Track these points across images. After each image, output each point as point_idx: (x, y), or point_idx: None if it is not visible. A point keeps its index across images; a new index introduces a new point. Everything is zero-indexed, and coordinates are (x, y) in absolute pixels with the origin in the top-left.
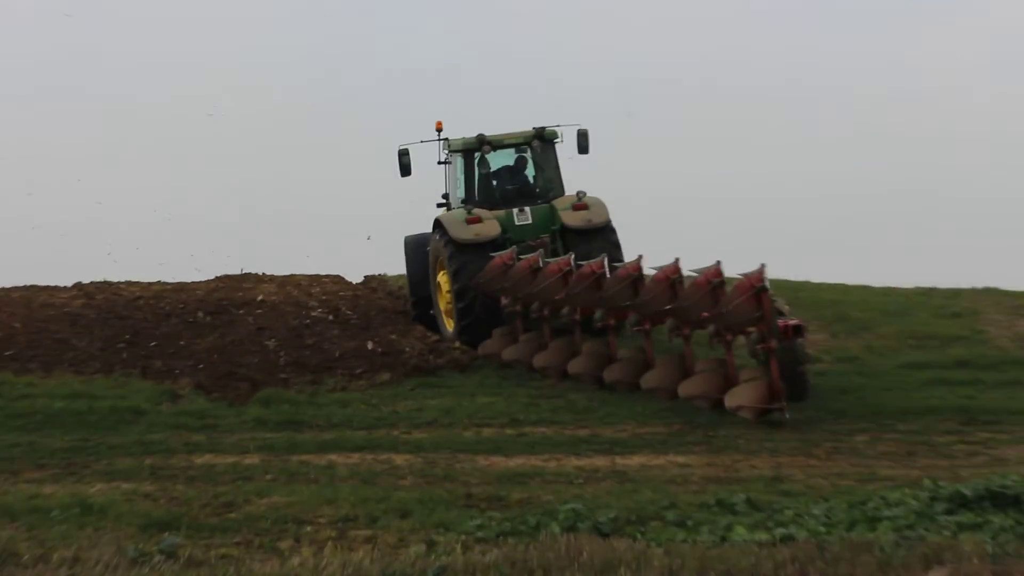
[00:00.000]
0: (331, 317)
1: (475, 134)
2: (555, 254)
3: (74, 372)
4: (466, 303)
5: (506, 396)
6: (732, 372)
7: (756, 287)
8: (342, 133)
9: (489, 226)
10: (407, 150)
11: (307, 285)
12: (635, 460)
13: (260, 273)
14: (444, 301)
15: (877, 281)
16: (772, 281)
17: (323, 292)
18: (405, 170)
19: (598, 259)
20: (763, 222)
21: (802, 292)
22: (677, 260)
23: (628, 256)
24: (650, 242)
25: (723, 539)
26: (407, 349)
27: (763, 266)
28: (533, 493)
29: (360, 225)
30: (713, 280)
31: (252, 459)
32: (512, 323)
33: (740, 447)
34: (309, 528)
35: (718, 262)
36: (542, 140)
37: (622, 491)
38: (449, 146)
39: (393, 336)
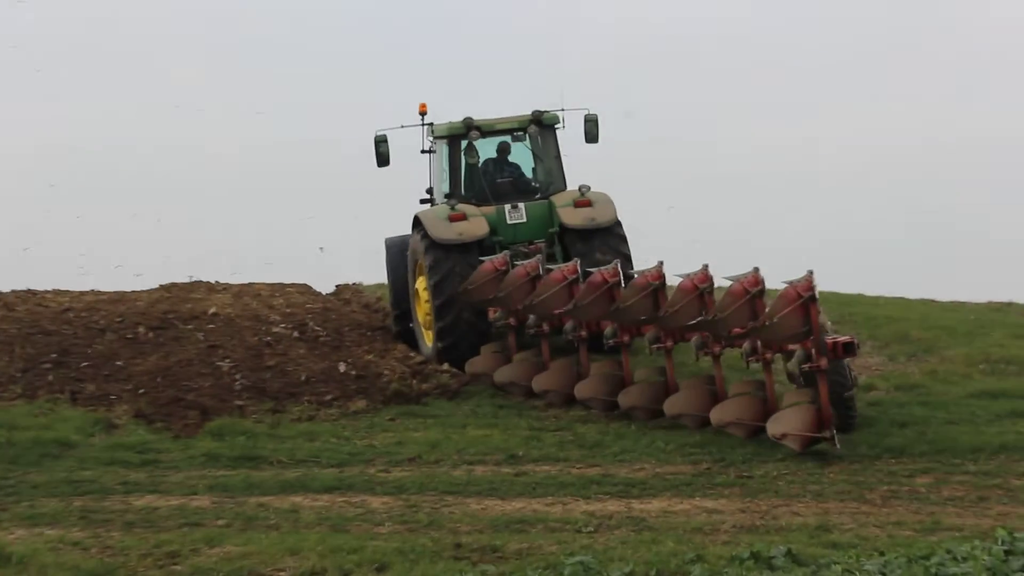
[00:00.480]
0: (296, 334)
1: (462, 118)
2: (552, 260)
3: None
4: (448, 321)
5: (503, 428)
6: (772, 396)
7: (804, 296)
8: (311, 112)
9: (475, 224)
10: (385, 137)
11: (268, 296)
12: (655, 505)
13: (212, 281)
14: (423, 312)
15: (943, 295)
16: (822, 295)
17: (287, 304)
18: (382, 159)
19: (611, 266)
20: (807, 223)
21: (854, 307)
22: (706, 267)
23: (639, 262)
24: (668, 245)
25: None
26: (386, 372)
27: (811, 273)
28: (534, 543)
29: (332, 224)
30: (751, 289)
31: (202, 501)
32: (503, 339)
33: (780, 490)
34: None
35: (756, 269)
36: (540, 126)
37: (639, 541)
38: (433, 132)
39: (370, 357)
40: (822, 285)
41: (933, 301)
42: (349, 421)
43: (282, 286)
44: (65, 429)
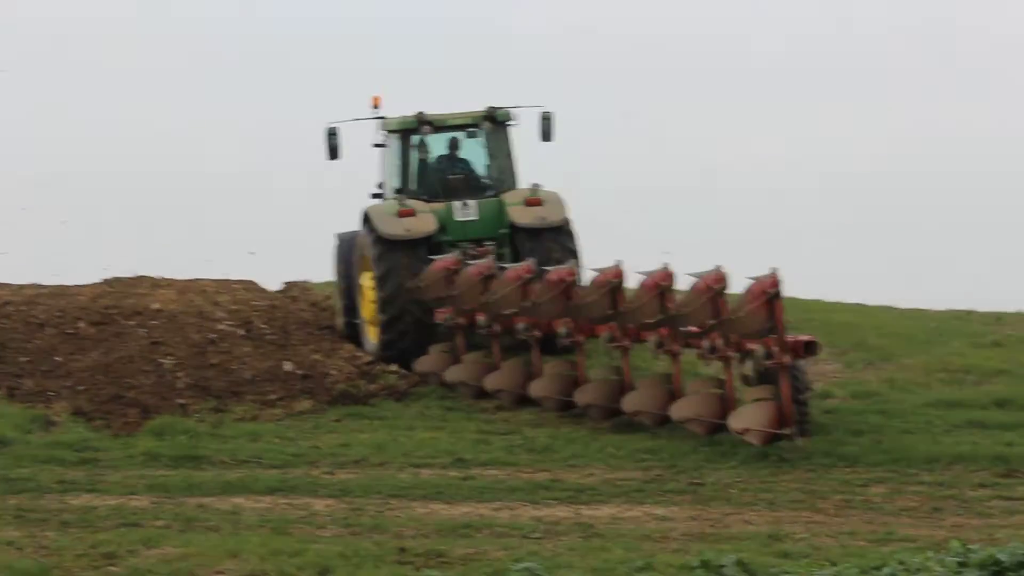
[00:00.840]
0: (242, 331)
1: (414, 112)
2: (501, 261)
3: None
4: (392, 314)
5: (450, 431)
6: (731, 393)
7: (769, 293)
8: (259, 100)
9: (423, 221)
10: (336, 129)
11: (213, 292)
12: (604, 511)
13: (156, 276)
14: (368, 309)
15: (903, 302)
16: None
17: (232, 301)
18: (333, 152)
19: (568, 265)
20: (766, 227)
21: (813, 312)
22: (666, 266)
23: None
24: (627, 244)
25: None
26: (332, 372)
27: (775, 271)
28: (480, 548)
29: (280, 219)
30: (714, 286)
31: (140, 501)
32: (452, 339)
33: (732, 498)
34: None
35: (718, 267)
36: (494, 122)
37: (588, 548)
38: (385, 126)
39: (316, 356)
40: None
41: (893, 308)
42: (294, 421)
43: (228, 282)
44: (2, 425)
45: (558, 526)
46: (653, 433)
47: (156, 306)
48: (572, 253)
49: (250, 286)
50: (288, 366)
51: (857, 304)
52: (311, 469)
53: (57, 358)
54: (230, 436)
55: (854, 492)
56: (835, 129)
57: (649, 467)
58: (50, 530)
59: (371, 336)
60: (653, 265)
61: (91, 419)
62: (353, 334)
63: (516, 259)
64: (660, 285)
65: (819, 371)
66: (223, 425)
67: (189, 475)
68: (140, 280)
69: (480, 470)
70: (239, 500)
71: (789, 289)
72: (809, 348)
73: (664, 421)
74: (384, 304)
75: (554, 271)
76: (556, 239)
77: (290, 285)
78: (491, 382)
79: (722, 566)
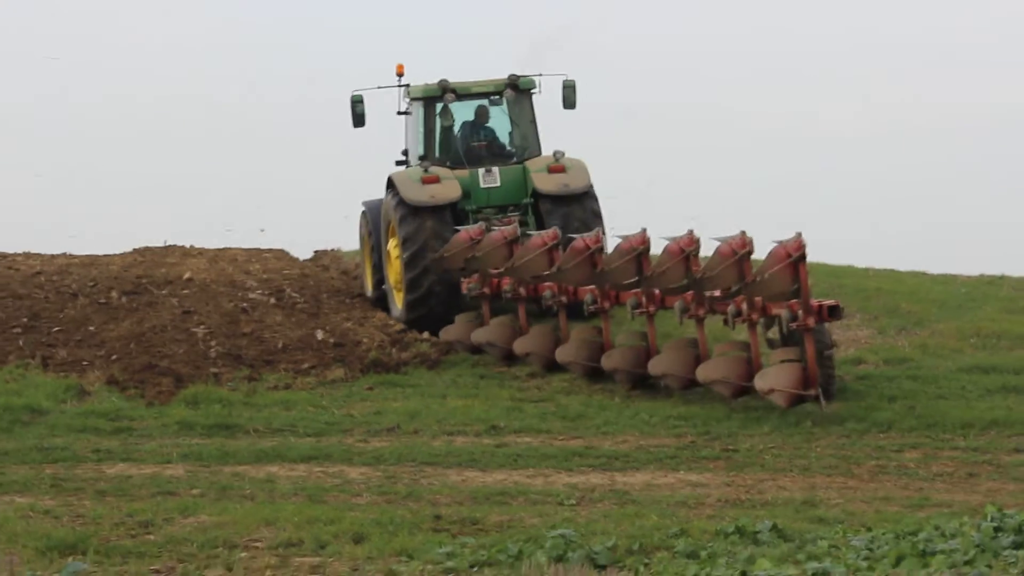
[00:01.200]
0: (273, 300)
1: (438, 80)
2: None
3: None
4: (416, 273)
5: (484, 399)
6: (757, 356)
7: (794, 256)
8: (281, 69)
9: (448, 187)
10: (361, 97)
11: (244, 261)
12: (638, 478)
13: (187, 245)
14: (394, 273)
15: (935, 267)
16: (810, 265)
17: (264, 270)
18: (358, 120)
19: (593, 232)
20: (796, 192)
21: (844, 279)
22: (691, 232)
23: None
24: (654, 213)
25: (743, 574)
26: (364, 340)
27: (799, 234)
28: (515, 515)
29: (308, 188)
30: (739, 251)
31: (175, 470)
32: (478, 308)
33: (766, 464)
34: (244, 554)
35: (743, 232)
36: (516, 90)
37: (622, 515)
38: (409, 94)
39: (348, 324)
40: (812, 256)
41: (924, 273)
42: (327, 390)
43: (259, 251)
44: (36, 395)
45: (592, 493)
46: (686, 400)
47: (187, 275)
48: (596, 219)
49: (281, 255)
50: (320, 334)
51: (889, 270)
52: (345, 437)
53: (90, 328)
54: (263, 405)
55: (888, 458)
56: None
57: (682, 433)
58: (86, 499)
59: (397, 301)
60: (679, 231)
61: (125, 388)
62: (382, 300)
63: (540, 227)
64: (685, 250)
65: (852, 337)
66: (256, 394)
67: (223, 444)
68: (171, 249)
69: (514, 437)
70: (274, 468)
71: (820, 255)
72: (833, 312)
73: (690, 384)
74: (408, 268)
75: (580, 238)
76: (580, 206)
77: (320, 253)
78: (520, 346)
79: (757, 532)
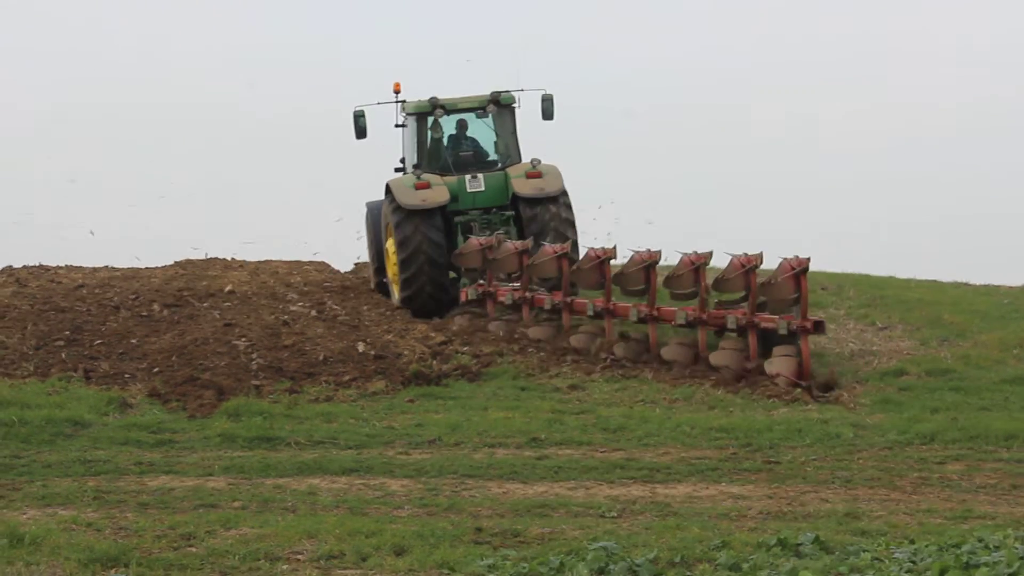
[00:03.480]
0: (314, 312)
1: (429, 97)
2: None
3: (2, 375)
4: (411, 273)
5: (524, 411)
6: (753, 351)
7: (796, 269)
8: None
9: (437, 192)
10: (363, 112)
11: (285, 273)
12: (680, 490)
13: (228, 258)
14: (392, 268)
15: (977, 278)
16: (853, 276)
17: (305, 282)
18: (360, 132)
19: (561, 242)
20: (840, 205)
21: (886, 289)
22: (706, 252)
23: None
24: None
25: None
26: (406, 352)
27: (807, 258)
28: (556, 527)
29: (341, 200)
30: (747, 264)
31: (217, 482)
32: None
33: (808, 476)
34: (285, 566)
35: (760, 253)
36: (498, 105)
37: (664, 527)
38: (404, 109)
39: (389, 336)
40: (854, 267)
41: (966, 284)
42: (368, 402)
43: (299, 263)
44: (79, 408)
45: (634, 505)
46: (727, 412)
47: (229, 288)
48: (568, 221)
49: (321, 267)
50: (361, 347)
51: (931, 281)
52: (386, 449)
53: (132, 340)
54: (305, 417)
55: (931, 470)
56: (906, 95)
57: (724, 446)
58: (129, 511)
59: (395, 292)
60: (693, 247)
61: (167, 401)
62: (383, 290)
63: (519, 226)
64: (695, 263)
65: (893, 348)
66: (297, 406)
67: (265, 456)
68: (212, 262)
69: (555, 450)
70: (315, 481)
71: (863, 266)
72: (818, 327)
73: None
74: (403, 264)
75: (548, 246)
76: (554, 207)
77: (361, 266)
78: (534, 333)
79: (799, 544)
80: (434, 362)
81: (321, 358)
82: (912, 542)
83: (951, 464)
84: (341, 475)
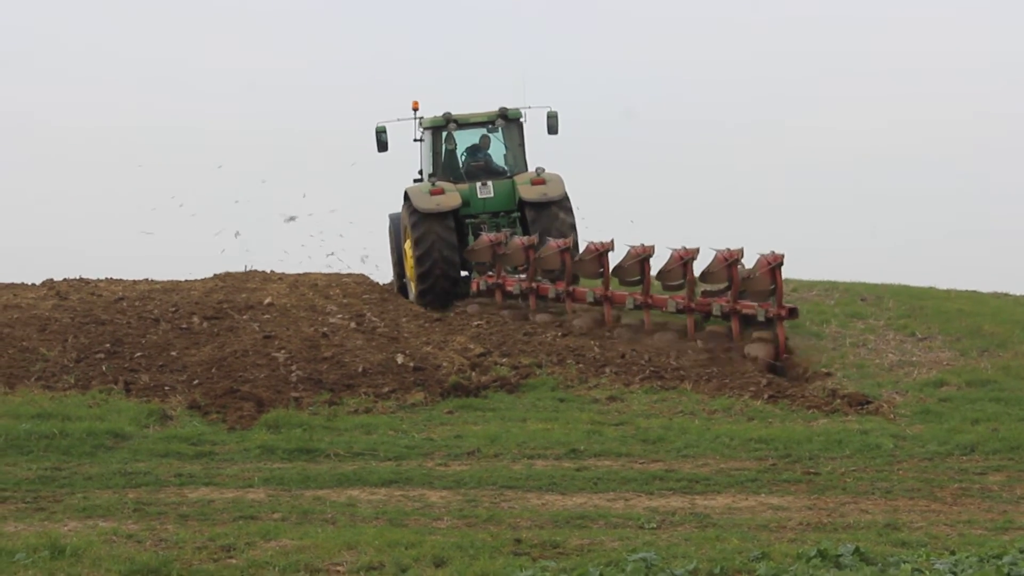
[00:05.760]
0: (353, 324)
1: (443, 112)
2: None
3: (43, 387)
4: (426, 270)
5: (563, 422)
6: (737, 334)
7: (772, 264)
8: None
9: (450, 197)
10: (384, 127)
11: (324, 286)
12: (719, 501)
13: (267, 271)
14: (409, 268)
15: (1018, 288)
16: (892, 287)
17: (343, 294)
18: (382, 146)
19: (565, 238)
20: (880, 215)
21: (926, 300)
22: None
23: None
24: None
25: None
26: (444, 364)
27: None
28: (595, 539)
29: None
30: (729, 258)
31: (257, 494)
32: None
33: (848, 487)
34: None
35: (740, 249)
36: (506, 119)
37: (703, 538)
38: (421, 124)
39: (428, 348)
40: (890, 277)
41: (1007, 294)
42: (407, 414)
43: (339, 276)
44: (119, 420)
45: (673, 516)
46: (767, 423)
47: (268, 300)
48: (569, 222)
49: (360, 279)
50: (400, 359)
51: (970, 291)
52: (425, 461)
53: (172, 353)
54: (344, 429)
55: (972, 480)
56: (938, 112)
57: (763, 456)
58: (169, 523)
59: (412, 289)
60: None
61: (206, 413)
62: (402, 288)
63: (525, 228)
64: (684, 258)
65: (933, 359)
66: (337, 418)
67: (304, 468)
68: (251, 275)
69: (594, 461)
70: (355, 492)
71: (902, 277)
72: (792, 312)
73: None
74: (419, 260)
75: (552, 241)
76: (556, 211)
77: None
78: (539, 317)
79: (839, 555)
80: (473, 373)
81: (360, 370)
82: (953, 553)
83: (992, 475)
84: (380, 487)
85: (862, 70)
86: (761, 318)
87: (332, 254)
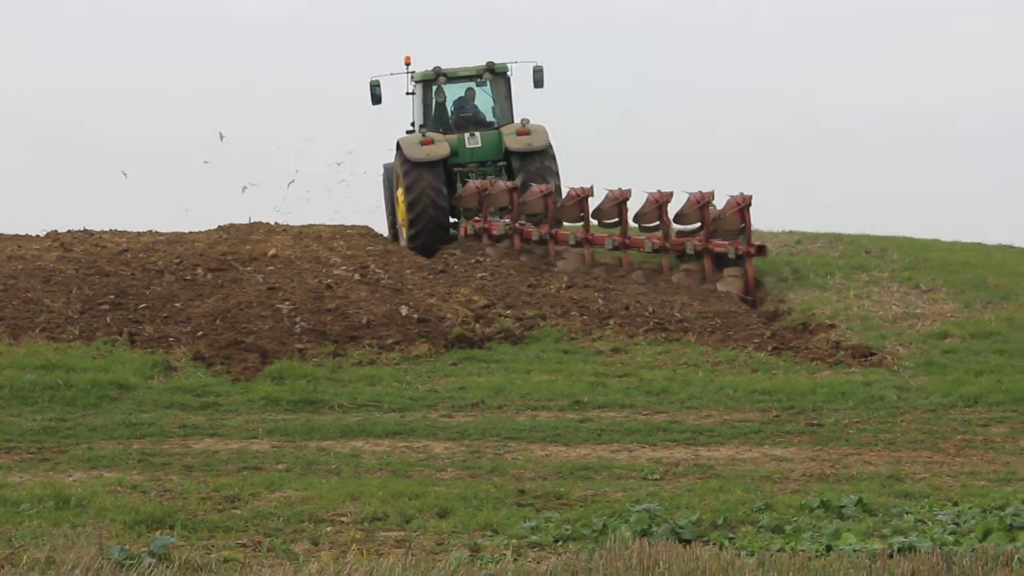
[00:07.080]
0: (357, 276)
1: (433, 67)
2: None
3: (48, 338)
4: (416, 215)
5: (567, 374)
6: (709, 274)
7: (741, 204)
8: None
9: (439, 147)
10: (378, 81)
11: (328, 238)
12: (723, 452)
13: (272, 223)
14: (401, 213)
15: (1022, 240)
16: (896, 239)
17: (348, 246)
18: (376, 99)
19: (547, 183)
20: (881, 166)
21: (930, 252)
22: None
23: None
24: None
25: (828, 548)
26: (448, 316)
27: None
28: (599, 490)
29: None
30: (701, 200)
31: (261, 445)
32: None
33: (851, 438)
34: (329, 528)
35: (712, 191)
36: (493, 73)
37: (706, 489)
38: (413, 78)
39: (432, 300)
40: (895, 229)
41: (1011, 246)
42: (411, 365)
43: (343, 228)
44: (123, 371)
45: (676, 467)
46: (770, 375)
47: (272, 252)
48: (552, 171)
49: (365, 231)
50: (404, 310)
51: (975, 243)
52: (429, 412)
53: (176, 304)
54: (348, 380)
55: (975, 432)
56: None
57: (767, 408)
58: (174, 474)
59: (404, 235)
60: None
61: (211, 364)
62: (395, 235)
63: (510, 176)
64: (659, 200)
65: (937, 311)
66: (341, 369)
67: (308, 419)
68: (255, 226)
69: (597, 412)
70: (359, 443)
71: (904, 229)
72: (760, 250)
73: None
74: (409, 206)
75: (535, 186)
76: (540, 160)
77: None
78: (525, 258)
79: (842, 506)
80: (477, 325)
81: (364, 321)
82: (955, 504)
83: (995, 427)
84: (384, 438)
85: None
86: (732, 255)
87: (337, 212)
